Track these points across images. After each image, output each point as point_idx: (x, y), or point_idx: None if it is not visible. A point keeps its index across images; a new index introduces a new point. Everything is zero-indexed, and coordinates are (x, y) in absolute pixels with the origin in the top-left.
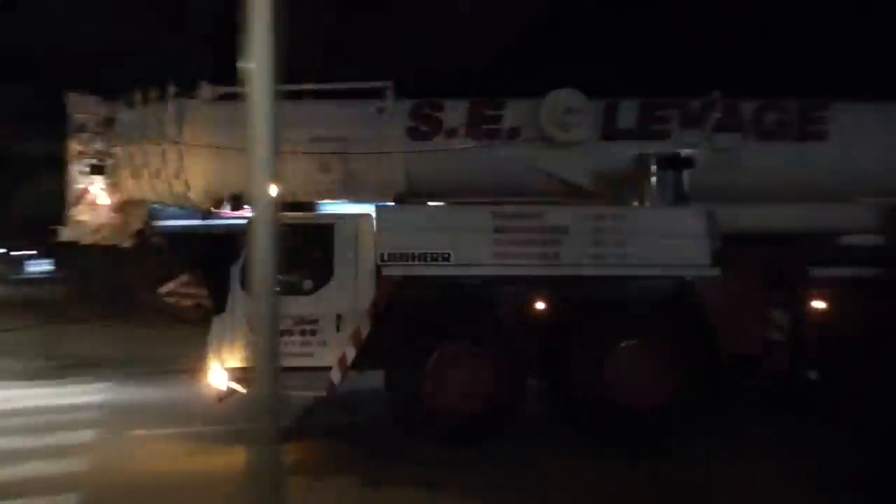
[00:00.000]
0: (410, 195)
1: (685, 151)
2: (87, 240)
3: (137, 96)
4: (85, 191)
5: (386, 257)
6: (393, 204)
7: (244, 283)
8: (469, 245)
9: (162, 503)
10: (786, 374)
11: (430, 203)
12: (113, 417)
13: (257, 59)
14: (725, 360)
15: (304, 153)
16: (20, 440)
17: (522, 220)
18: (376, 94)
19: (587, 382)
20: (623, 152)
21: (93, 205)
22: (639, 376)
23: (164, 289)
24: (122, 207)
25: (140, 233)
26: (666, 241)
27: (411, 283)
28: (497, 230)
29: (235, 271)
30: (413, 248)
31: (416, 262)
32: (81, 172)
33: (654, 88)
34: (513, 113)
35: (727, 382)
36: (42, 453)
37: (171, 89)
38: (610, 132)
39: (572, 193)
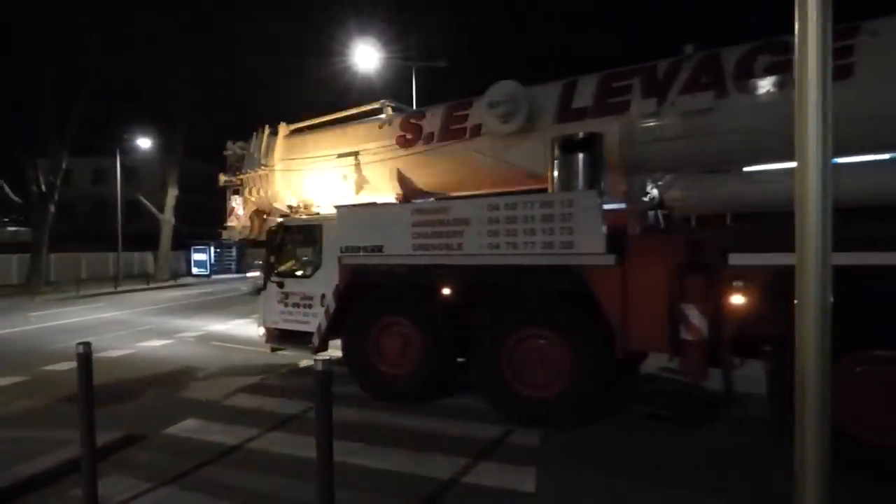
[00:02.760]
0: (410, 195)
1: (586, 133)
2: (235, 238)
3: (252, 137)
4: (232, 207)
5: (343, 250)
6: (346, 206)
7: (268, 272)
8: (395, 238)
9: None
10: (702, 374)
11: (373, 203)
12: None
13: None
14: (623, 356)
15: (329, 167)
16: None
17: (433, 214)
18: (376, 112)
19: (484, 368)
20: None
21: (235, 216)
22: (529, 366)
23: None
24: (252, 216)
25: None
26: (557, 228)
27: (360, 271)
28: (415, 224)
29: (265, 262)
30: (359, 242)
31: (361, 254)
32: (229, 195)
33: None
34: (476, 110)
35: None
36: None
37: (265, 129)
38: (565, 114)
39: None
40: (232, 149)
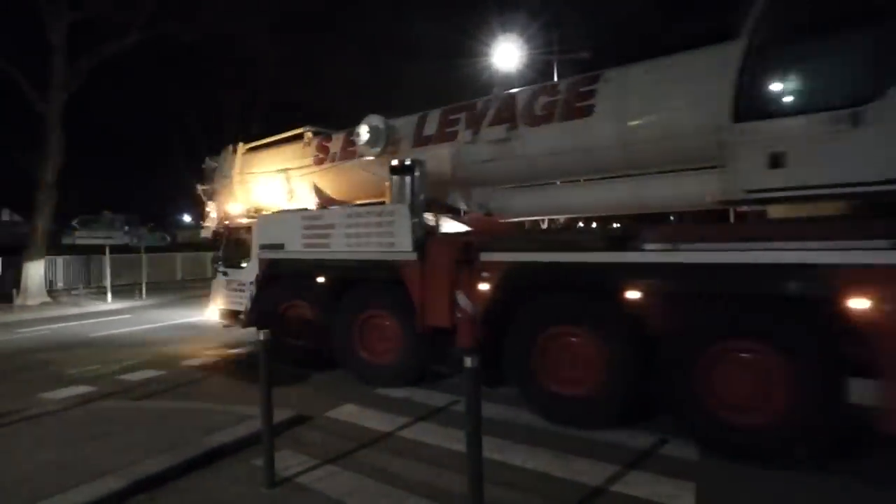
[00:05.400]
0: (325, 203)
1: (409, 159)
2: (209, 236)
3: (222, 153)
4: (207, 211)
5: (260, 247)
6: (265, 213)
7: (222, 261)
8: (292, 238)
9: None
10: (468, 347)
11: (280, 210)
12: None
13: None
14: (425, 331)
15: (271, 179)
16: None
17: (314, 220)
18: (300, 137)
19: (342, 339)
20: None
21: (210, 218)
22: (374, 339)
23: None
24: (222, 219)
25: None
26: (384, 232)
27: (272, 264)
28: (304, 228)
29: (220, 253)
30: (270, 240)
31: (270, 250)
32: (206, 201)
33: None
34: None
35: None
36: None
37: (229, 146)
38: (418, 140)
39: None
40: (208, 163)
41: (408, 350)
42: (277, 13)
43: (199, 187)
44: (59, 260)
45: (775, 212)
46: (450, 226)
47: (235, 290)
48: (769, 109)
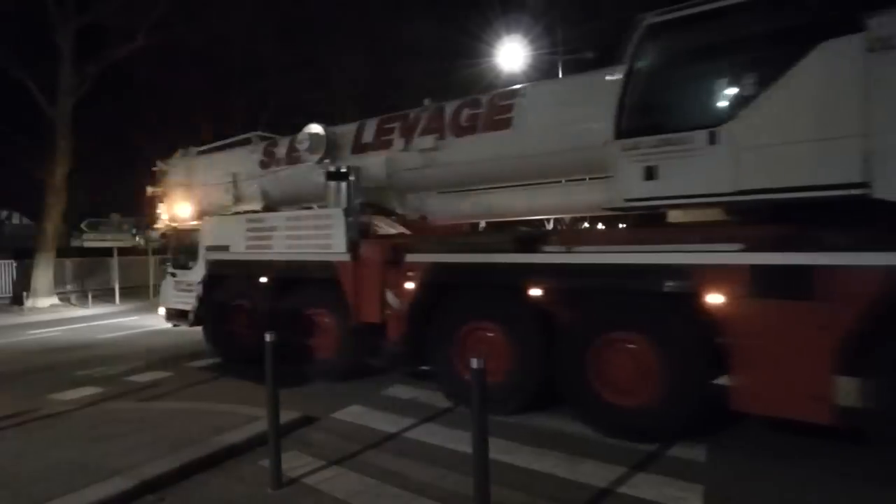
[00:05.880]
0: (271, 207)
1: (344, 166)
2: (158, 237)
3: (173, 157)
4: (158, 213)
5: (206, 248)
6: (211, 216)
7: (171, 262)
8: (237, 240)
9: None
10: (399, 340)
11: (226, 213)
12: None
13: None
14: (359, 326)
15: (220, 183)
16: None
17: (257, 223)
18: (248, 142)
19: (284, 337)
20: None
21: (160, 220)
22: (313, 334)
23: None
24: (172, 221)
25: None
26: (321, 234)
27: (218, 264)
28: (247, 230)
29: (170, 256)
30: (216, 242)
31: (216, 252)
32: (156, 204)
33: None
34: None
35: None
36: None
37: (179, 150)
38: (357, 148)
39: None
40: (159, 166)
41: (344, 345)
42: (284, 17)
43: (150, 190)
44: (68, 262)
45: (673, 217)
46: (385, 229)
47: (184, 290)
48: (644, 127)
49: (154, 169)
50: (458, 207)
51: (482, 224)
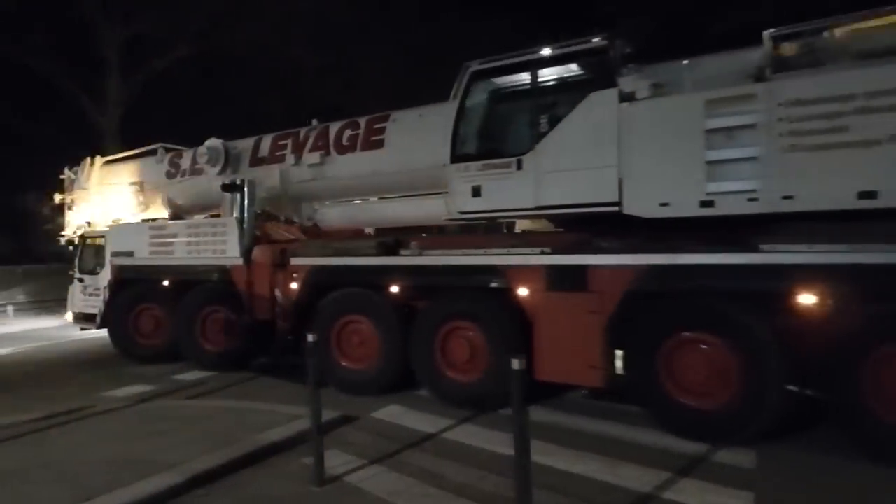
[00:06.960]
0: (177, 215)
1: (239, 178)
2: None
3: (80, 165)
4: (68, 220)
5: (112, 254)
6: (116, 223)
7: (78, 268)
8: (140, 246)
9: None
10: (287, 333)
11: (131, 221)
12: None
13: None
14: (253, 323)
15: (126, 191)
16: None
17: (160, 230)
18: (154, 152)
19: (186, 335)
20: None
21: (68, 226)
22: (213, 332)
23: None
24: (80, 227)
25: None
26: (218, 241)
27: (124, 269)
28: (151, 236)
29: (76, 260)
30: (121, 248)
31: (122, 257)
32: (66, 210)
33: None
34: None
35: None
36: None
37: (87, 158)
38: (254, 161)
39: None
40: (67, 174)
41: (240, 339)
42: (319, 22)
43: (58, 197)
44: None
45: (522, 225)
46: (280, 235)
47: (91, 294)
48: (471, 154)
49: (62, 176)
50: (344, 216)
51: (370, 230)
